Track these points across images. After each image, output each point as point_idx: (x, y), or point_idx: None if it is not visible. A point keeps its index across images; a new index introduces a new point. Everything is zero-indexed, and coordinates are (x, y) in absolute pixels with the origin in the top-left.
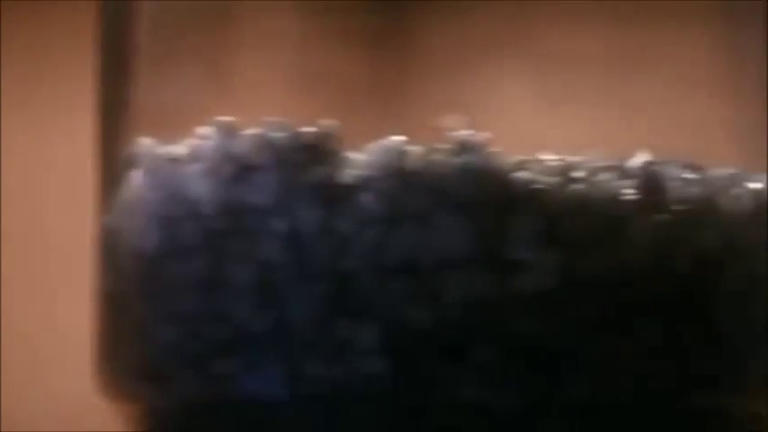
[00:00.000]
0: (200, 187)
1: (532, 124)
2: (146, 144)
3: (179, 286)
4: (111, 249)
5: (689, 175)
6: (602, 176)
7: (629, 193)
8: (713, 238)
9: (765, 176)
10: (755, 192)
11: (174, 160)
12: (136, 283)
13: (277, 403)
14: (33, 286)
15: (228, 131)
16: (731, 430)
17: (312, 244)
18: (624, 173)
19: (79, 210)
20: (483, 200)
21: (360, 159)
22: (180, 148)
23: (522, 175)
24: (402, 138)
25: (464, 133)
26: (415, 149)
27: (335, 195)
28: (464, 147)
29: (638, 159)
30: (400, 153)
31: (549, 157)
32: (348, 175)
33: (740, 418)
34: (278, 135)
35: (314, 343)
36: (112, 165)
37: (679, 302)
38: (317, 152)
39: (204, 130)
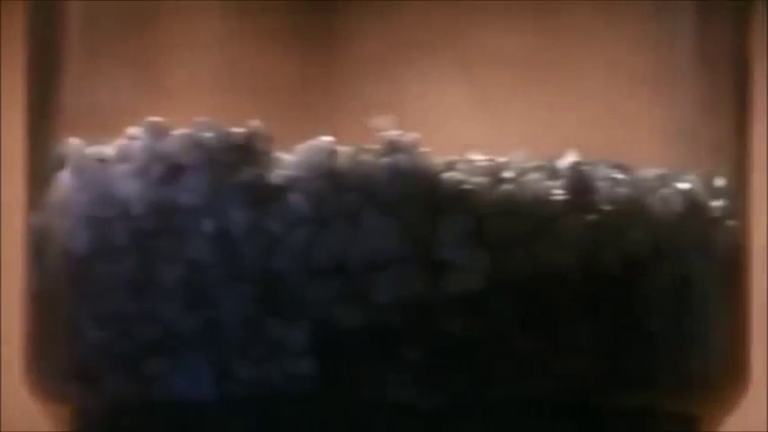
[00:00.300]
0: (129, 188)
1: (462, 124)
2: (75, 144)
3: (108, 287)
4: (40, 249)
5: (618, 176)
6: (532, 177)
7: (557, 193)
8: (641, 238)
9: (694, 177)
10: (684, 192)
11: (103, 161)
12: (65, 284)
13: (206, 404)
14: None
15: (157, 131)
16: (658, 429)
17: (242, 244)
18: (553, 173)
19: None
20: (412, 200)
21: (289, 160)
22: (109, 149)
23: (451, 175)
24: (331, 138)
25: (393, 133)
26: (344, 150)
27: (265, 195)
28: (393, 147)
29: (567, 160)
30: (329, 153)
31: (479, 158)
32: (277, 175)
33: (666, 418)
34: (207, 135)
35: (243, 343)
36: (42, 165)
37: (607, 302)
38: (246, 152)
39: (133, 130)
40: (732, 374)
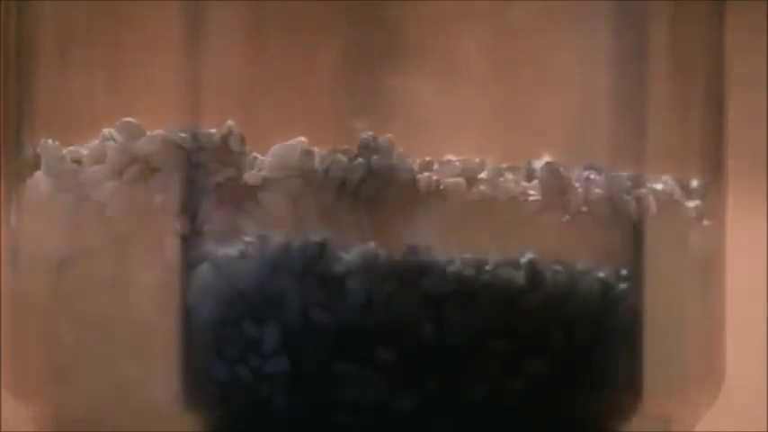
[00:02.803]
0: (103, 189)
1: (437, 126)
2: (50, 145)
3: (84, 288)
4: (16, 250)
5: (593, 176)
6: (507, 177)
7: (533, 194)
8: (616, 238)
9: (668, 177)
10: (659, 192)
11: (78, 162)
12: (41, 285)
13: (182, 404)
14: None
15: (132, 132)
16: (633, 430)
17: (216, 244)
18: (529, 174)
19: None
20: (387, 200)
21: (264, 160)
22: (84, 150)
23: (426, 175)
24: (305, 139)
25: (368, 134)
26: (320, 150)
27: (240, 196)
28: (368, 147)
29: (542, 160)
30: (304, 153)
31: (454, 158)
32: (252, 175)
33: (641, 419)
34: (182, 136)
35: (219, 344)
36: (17, 166)
37: (580, 303)
38: (221, 153)
39: (108, 130)
40: (706, 375)
